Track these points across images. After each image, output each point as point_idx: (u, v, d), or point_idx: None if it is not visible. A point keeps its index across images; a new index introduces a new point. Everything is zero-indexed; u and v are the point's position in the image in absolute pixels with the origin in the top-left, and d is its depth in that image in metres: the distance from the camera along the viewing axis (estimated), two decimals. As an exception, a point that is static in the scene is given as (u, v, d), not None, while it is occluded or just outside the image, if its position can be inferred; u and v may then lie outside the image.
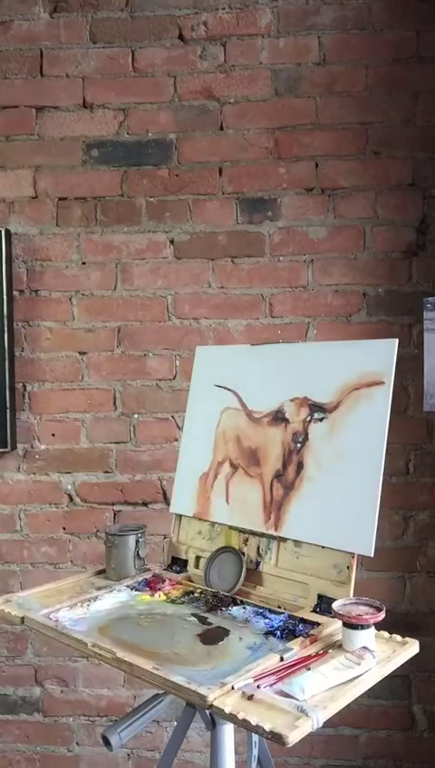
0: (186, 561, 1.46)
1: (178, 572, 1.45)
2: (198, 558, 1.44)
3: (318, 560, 1.22)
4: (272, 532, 1.29)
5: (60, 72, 2.04)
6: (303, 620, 1.18)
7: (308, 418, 1.28)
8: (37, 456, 2.09)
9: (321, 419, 1.26)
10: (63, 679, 2.11)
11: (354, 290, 2.00)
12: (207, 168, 2.02)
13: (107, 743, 1.15)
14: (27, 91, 2.05)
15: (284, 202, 2.01)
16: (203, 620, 1.22)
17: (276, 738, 0.86)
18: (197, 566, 1.43)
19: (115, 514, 2.08)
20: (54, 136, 2.05)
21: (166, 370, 2.06)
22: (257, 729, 0.88)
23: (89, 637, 1.14)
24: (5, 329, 2.02)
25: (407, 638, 1.13)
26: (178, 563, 1.47)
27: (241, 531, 1.36)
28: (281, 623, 1.18)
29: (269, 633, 1.15)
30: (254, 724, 0.88)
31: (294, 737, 0.85)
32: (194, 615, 1.24)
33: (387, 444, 1.15)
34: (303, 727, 0.87)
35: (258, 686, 0.96)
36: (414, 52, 1.96)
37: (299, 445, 1.28)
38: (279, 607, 1.24)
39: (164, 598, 1.33)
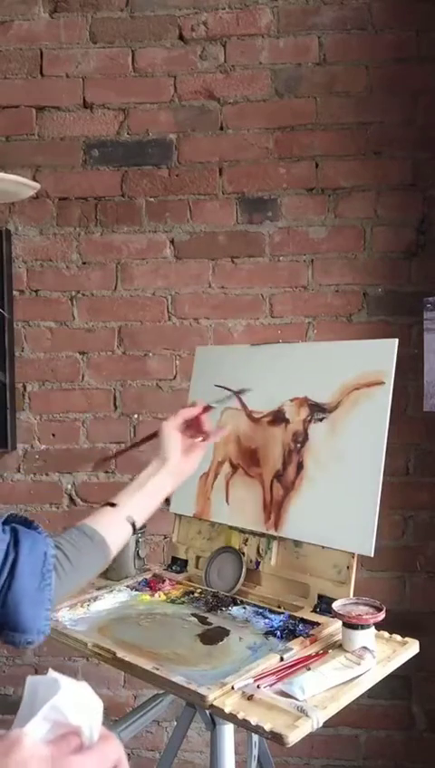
0: (186, 561, 1.46)
1: (178, 572, 1.45)
2: (198, 558, 1.44)
3: (318, 560, 1.22)
4: (272, 531, 1.29)
5: (60, 72, 2.04)
6: (303, 620, 1.18)
7: (308, 418, 1.28)
8: (37, 456, 2.08)
9: (321, 419, 1.26)
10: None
11: (354, 290, 2.00)
12: (207, 168, 2.02)
13: (107, 743, 1.15)
14: (27, 91, 2.05)
15: (284, 202, 2.01)
16: (203, 620, 1.22)
17: (276, 738, 0.86)
18: (197, 566, 1.43)
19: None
20: (54, 136, 2.05)
21: (166, 370, 2.05)
22: (257, 729, 0.88)
23: (89, 637, 1.14)
24: (5, 329, 2.02)
25: (407, 638, 1.13)
26: (178, 563, 1.47)
27: (241, 531, 1.36)
28: (281, 623, 1.18)
29: (269, 633, 1.15)
30: (254, 724, 0.88)
31: (294, 737, 0.85)
32: (194, 615, 1.24)
33: (387, 444, 1.15)
34: (303, 727, 0.87)
35: (258, 686, 0.96)
36: (414, 52, 1.96)
37: (299, 445, 1.28)
38: (279, 607, 1.24)
39: (164, 598, 1.33)
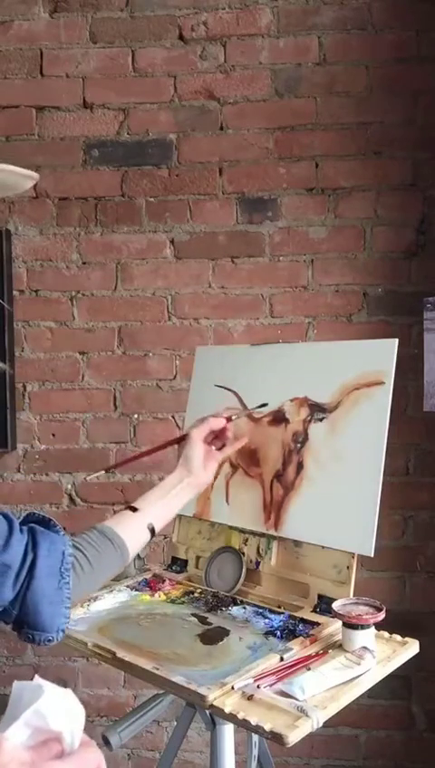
0: (186, 561, 1.46)
1: (178, 572, 1.45)
2: (198, 558, 1.44)
3: (318, 560, 1.22)
4: (272, 531, 1.29)
5: (60, 72, 2.04)
6: (303, 620, 1.17)
7: (308, 418, 1.28)
8: (37, 456, 2.08)
9: (321, 419, 1.26)
10: (63, 679, 2.10)
11: (354, 290, 2.00)
12: (208, 168, 2.02)
13: (107, 743, 1.15)
14: (27, 91, 2.05)
15: (284, 202, 2.01)
16: (203, 620, 1.22)
17: (276, 738, 0.86)
18: (197, 566, 1.43)
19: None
20: (54, 136, 2.05)
21: (166, 370, 2.05)
22: (257, 729, 0.88)
23: (89, 637, 1.14)
24: (5, 329, 2.02)
25: (407, 638, 1.13)
26: (178, 563, 1.47)
27: (241, 531, 1.36)
28: (281, 623, 1.18)
29: (269, 633, 1.15)
30: (254, 724, 0.88)
31: (294, 737, 0.85)
32: (194, 615, 1.24)
33: (387, 444, 1.15)
34: (303, 727, 0.87)
35: (258, 686, 0.95)
36: (414, 52, 1.96)
37: (299, 445, 1.28)
38: (279, 607, 1.24)
39: (164, 598, 1.33)
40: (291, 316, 2.02)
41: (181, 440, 1.19)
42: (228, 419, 1.22)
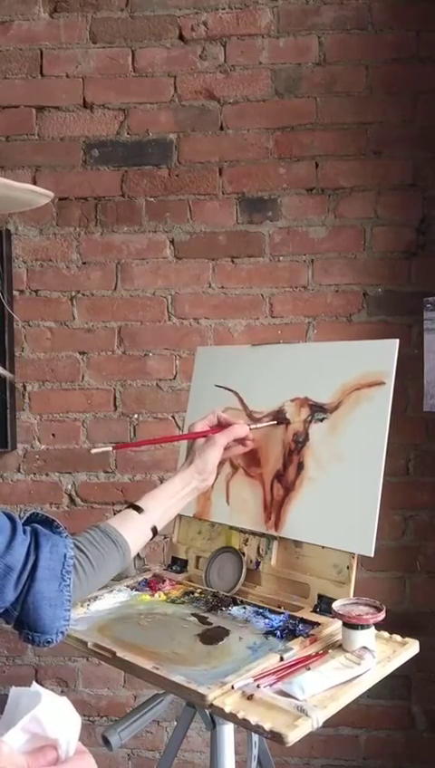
0: (186, 561, 1.46)
1: (178, 572, 1.45)
2: (198, 558, 1.44)
3: (318, 560, 1.22)
4: (272, 532, 1.29)
5: (60, 72, 2.04)
6: (303, 620, 1.17)
7: (309, 419, 1.28)
8: (37, 456, 2.08)
9: (321, 419, 1.26)
10: (63, 679, 2.11)
11: (354, 290, 2.00)
12: (207, 168, 2.02)
13: (107, 743, 1.15)
14: (27, 91, 2.05)
15: (284, 202, 2.01)
16: (203, 620, 1.22)
17: (276, 738, 0.86)
18: (197, 566, 1.43)
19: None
20: (54, 136, 2.05)
21: (166, 370, 2.05)
22: (257, 729, 0.88)
23: (89, 636, 1.14)
24: (5, 329, 2.02)
25: (407, 638, 1.13)
26: (178, 563, 1.47)
27: (241, 531, 1.36)
28: (281, 623, 1.18)
29: (269, 633, 1.15)
30: (253, 723, 0.88)
31: (293, 737, 0.85)
32: (194, 615, 1.24)
33: (387, 444, 1.15)
34: (302, 727, 0.87)
35: (258, 686, 0.95)
36: (414, 52, 1.96)
37: (299, 445, 1.28)
38: (279, 607, 1.24)
39: (164, 598, 1.33)
40: (291, 316, 2.02)
41: (196, 437, 1.18)
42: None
